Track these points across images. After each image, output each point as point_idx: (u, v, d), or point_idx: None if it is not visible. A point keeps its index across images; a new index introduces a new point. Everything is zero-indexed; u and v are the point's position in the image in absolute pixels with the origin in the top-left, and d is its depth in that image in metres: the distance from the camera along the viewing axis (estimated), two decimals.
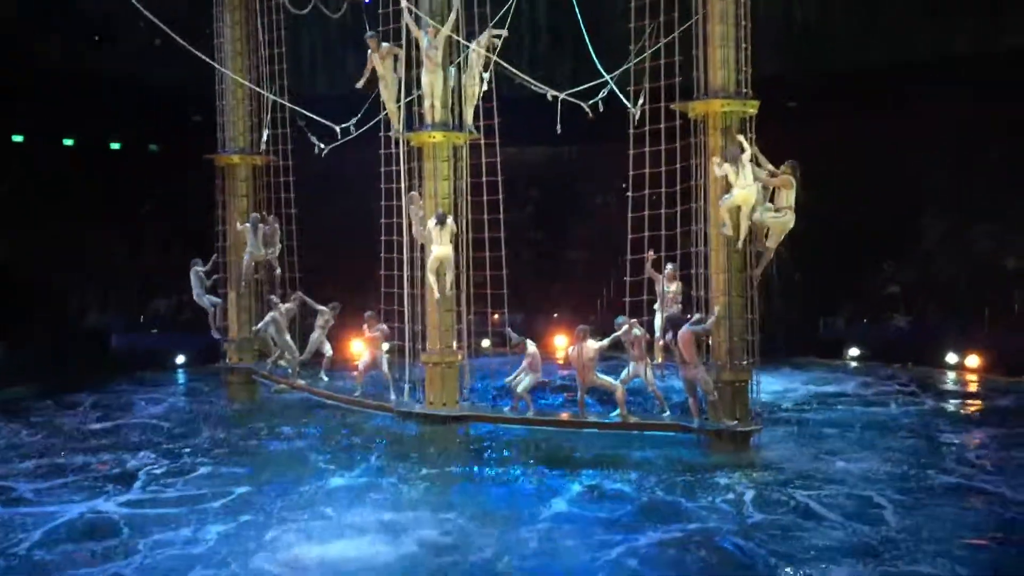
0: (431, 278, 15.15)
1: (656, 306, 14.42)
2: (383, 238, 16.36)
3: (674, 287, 14.30)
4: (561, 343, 23.15)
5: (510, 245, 15.89)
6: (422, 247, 15.55)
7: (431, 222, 14.98)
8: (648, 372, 14.12)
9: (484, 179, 15.78)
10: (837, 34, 25.06)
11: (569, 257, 27.55)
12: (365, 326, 16.52)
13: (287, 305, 17.91)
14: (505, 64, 15.36)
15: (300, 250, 18.79)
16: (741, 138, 13.10)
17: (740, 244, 13.26)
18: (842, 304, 24.00)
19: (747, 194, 12.97)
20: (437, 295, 15.16)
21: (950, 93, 22.03)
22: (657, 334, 14.28)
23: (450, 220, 15.05)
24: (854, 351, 22.48)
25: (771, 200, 13.29)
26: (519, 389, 14.66)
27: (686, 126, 13.69)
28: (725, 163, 12.98)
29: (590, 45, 14.67)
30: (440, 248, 14.93)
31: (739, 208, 13.08)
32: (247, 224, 17.96)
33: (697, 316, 13.52)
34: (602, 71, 14.63)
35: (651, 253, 14.13)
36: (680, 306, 14.25)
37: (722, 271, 13.38)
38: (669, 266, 14.25)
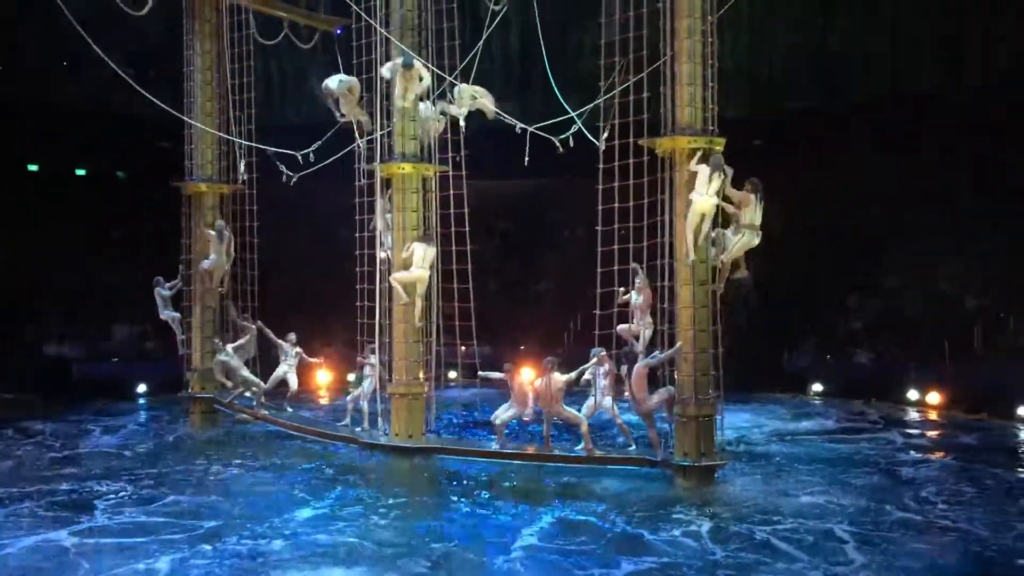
0: (401, 294, 15.07)
1: (631, 319, 14.40)
2: (358, 269, 16.37)
3: (643, 298, 14.29)
4: (528, 375, 23.16)
5: (478, 277, 15.95)
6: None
7: (415, 244, 15.00)
8: (614, 406, 14.15)
9: (452, 211, 15.86)
10: (801, 73, 25.57)
11: (537, 289, 27.68)
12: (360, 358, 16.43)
13: (236, 344, 17.73)
14: (476, 94, 15.50)
15: (265, 278, 18.70)
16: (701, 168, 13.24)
17: (692, 256, 13.32)
18: (806, 339, 24.24)
19: (710, 204, 13.08)
20: (405, 298, 15.06)
21: (913, 133, 22.49)
22: (626, 345, 14.27)
23: (433, 242, 15.18)
24: (818, 386, 22.68)
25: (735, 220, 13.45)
26: (497, 422, 14.59)
27: (654, 162, 13.83)
28: (704, 164, 13.09)
29: (554, 84, 14.90)
30: (421, 271, 14.96)
31: (702, 217, 13.16)
32: (212, 231, 17.83)
33: (655, 354, 13.63)
34: (568, 108, 14.81)
35: (622, 290, 14.21)
36: (651, 320, 14.19)
37: (688, 306, 13.47)
38: (639, 278, 14.28)
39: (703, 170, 13.00)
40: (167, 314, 18.60)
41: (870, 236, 24.15)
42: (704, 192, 12.97)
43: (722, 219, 13.54)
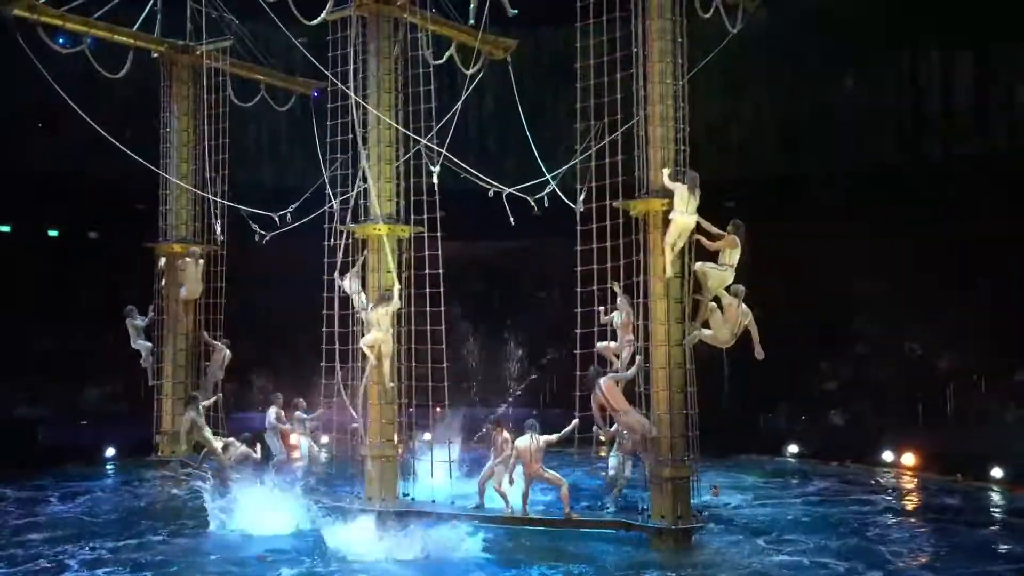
0: (371, 355, 14.96)
1: (610, 338, 14.38)
2: (324, 329, 16.25)
3: (623, 316, 14.24)
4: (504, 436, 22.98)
5: (453, 338, 15.89)
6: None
7: (372, 306, 14.91)
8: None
9: (427, 271, 15.84)
10: (772, 141, 26.08)
11: (513, 350, 27.59)
12: None
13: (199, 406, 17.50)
14: (452, 157, 15.62)
15: (237, 338, 18.58)
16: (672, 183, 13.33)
17: (670, 271, 13.36)
18: (782, 401, 24.26)
19: (689, 222, 13.22)
20: (374, 361, 14.93)
21: (879, 201, 22.90)
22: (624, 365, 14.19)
23: (395, 298, 15.01)
24: (793, 448, 22.66)
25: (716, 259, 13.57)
26: (502, 487, 14.41)
27: (630, 223, 13.94)
28: (678, 182, 13.18)
29: (533, 145, 15.06)
30: (377, 333, 14.82)
31: (679, 235, 13.27)
32: (188, 259, 17.67)
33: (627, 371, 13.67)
34: (544, 170, 14.95)
35: (601, 309, 14.20)
36: (631, 337, 14.13)
37: (663, 366, 13.47)
38: (620, 298, 14.24)
39: (680, 189, 13.14)
40: (139, 344, 18.36)
41: (841, 301, 24.40)
42: (683, 210, 13.13)
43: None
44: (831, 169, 24.80)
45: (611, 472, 14.39)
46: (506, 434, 14.49)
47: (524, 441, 13.93)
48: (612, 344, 14.38)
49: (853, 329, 24.44)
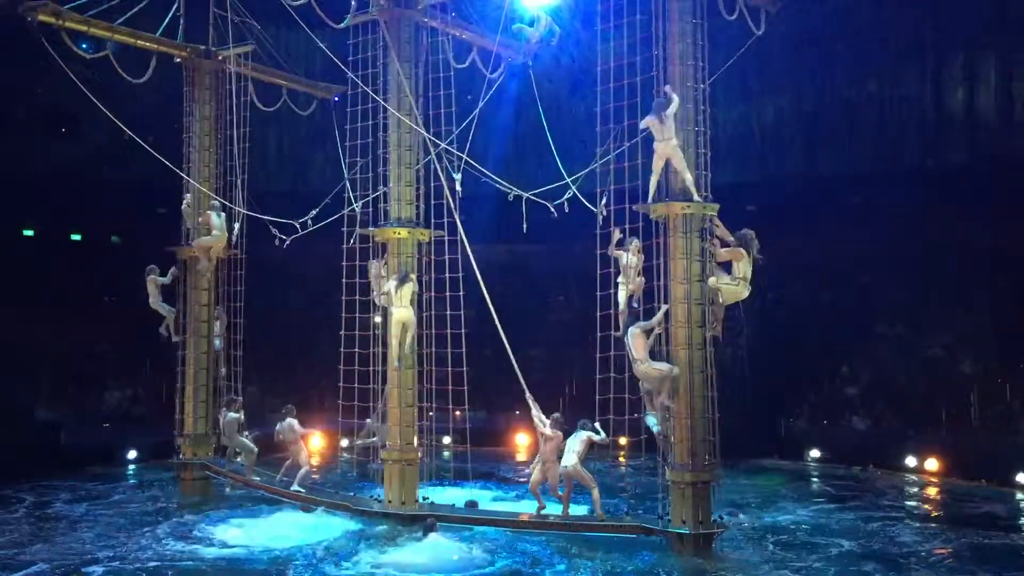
0: (393, 342, 15.02)
1: (619, 279, 14.20)
2: (343, 332, 16.31)
3: (635, 260, 14.15)
4: (522, 441, 22.96)
5: (472, 341, 15.90)
6: (383, 342, 15.53)
7: (391, 283, 14.94)
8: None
9: (447, 275, 15.88)
10: (792, 143, 25.92)
11: (531, 354, 27.54)
12: None
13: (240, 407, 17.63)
14: (472, 162, 15.65)
15: (257, 342, 18.66)
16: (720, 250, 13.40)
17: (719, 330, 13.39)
18: (802, 406, 24.12)
19: (739, 293, 13.32)
20: (395, 358, 14.99)
21: (903, 204, 22.71)
22: (620, 307, 14.05)
23: (412, 279, 15.08)
24: (815, 452, 22.51)
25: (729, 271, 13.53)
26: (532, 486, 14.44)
27: (650, 226, 13.89)
28: (739, 249, 13.29)
29: (554, 149, 15.04)
30: (401, 310, 14.85)
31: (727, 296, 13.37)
32: (211, 211, 17.80)
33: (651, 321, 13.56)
34: (564, 174, 14.92)
35: (617, 231, 14.05)
36: (642, 278, 14.05)
37: (684, 370, 13.39)
38: (634, 241, 14.10)
39: (741, 255, 13.30)
40: (159, 304, 18.40)
41: (862, 304, 24.23)
42: (742, 276, 13.34)
43: None
44: (853, 171, 24.60)
45: (655, 429, 14.07)
46: (548, 431, 14.35)
47: (572, 438, 13.93)
48: (621, 295, 14.10)
49: (875, 332, 24.24)
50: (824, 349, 23.90)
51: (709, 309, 13.52)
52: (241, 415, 17.49)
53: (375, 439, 16.08)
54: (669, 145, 13.27)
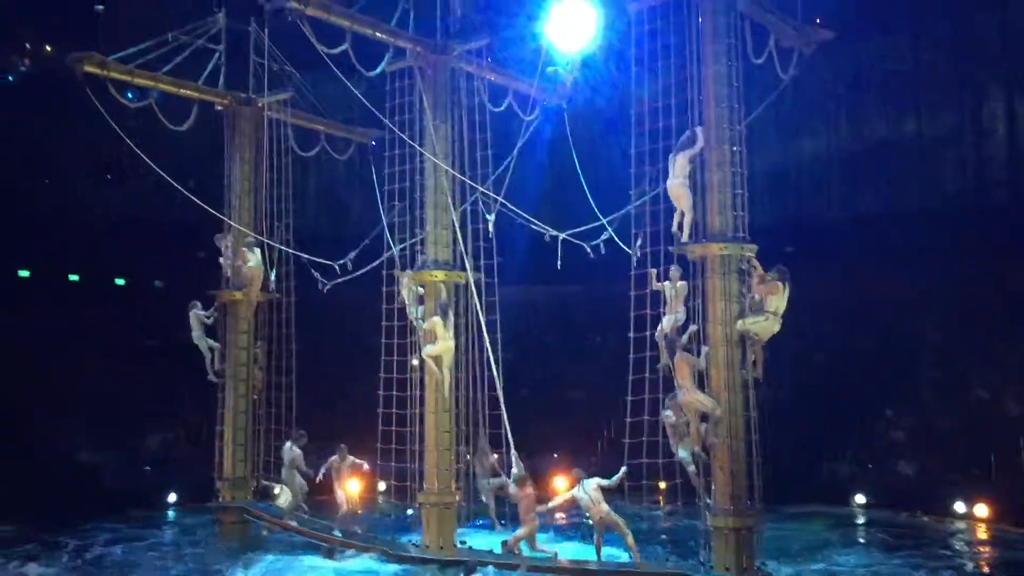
0: (444, 372, 15.14)
1: (663, 308, 14.12)
2: (382, 375, 16.33)
3: (679, 287, 14.01)
4: (561, 485, 22.73)
5: (510, 384, 15.84)
6: (421, 384, 15.54)
7: (436, 317, 15.02)
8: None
9: (484, 317, 15.86)
10: (831, 183, 25.75)
11: (570, 396, 27.38)
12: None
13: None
14: (507, 204, 15.70)
15: (299, 385, 18.73)
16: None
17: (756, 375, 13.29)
18: (845, 450, 23.65)
19: (772, 328, 13.18)
20: (446, 388, 15.13)
21: (941, 245, 22.41)
22: (658, 333, 13.93)
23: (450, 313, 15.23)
24: (860, 498, 22.03)
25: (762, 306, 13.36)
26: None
27: (687, 267, 13.79)
28: (776, 281, 13.19)
29: (587, 191, 15.05)
30: (447, 342, 15.01)
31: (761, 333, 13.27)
32: (244, 248, 18.08)
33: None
34: (599, 216, 14.91)
35: (653, 271, 13.99)
36: (685, 309, 13.94)
37: (725, 413, 13.20)
38: (673, 268, 14.01)
39: (775, 288, 13.17)
40: (201, 340, 18.57)
41: (905, 345, 23.80)
42: (775, 312, 13.20)
43: None
44: (891, 211, 24.37)
45: (691, 468, 13.88)
46: (530, 490, 14.33)
47: (577, 491, 13.86)
48: (665, 321, 14.02)
49: (917, 374, 23.79)
50: (865, 391, 23.47)
51: (748, 350, 13.36)
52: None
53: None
54: (674, 183, 13.34)
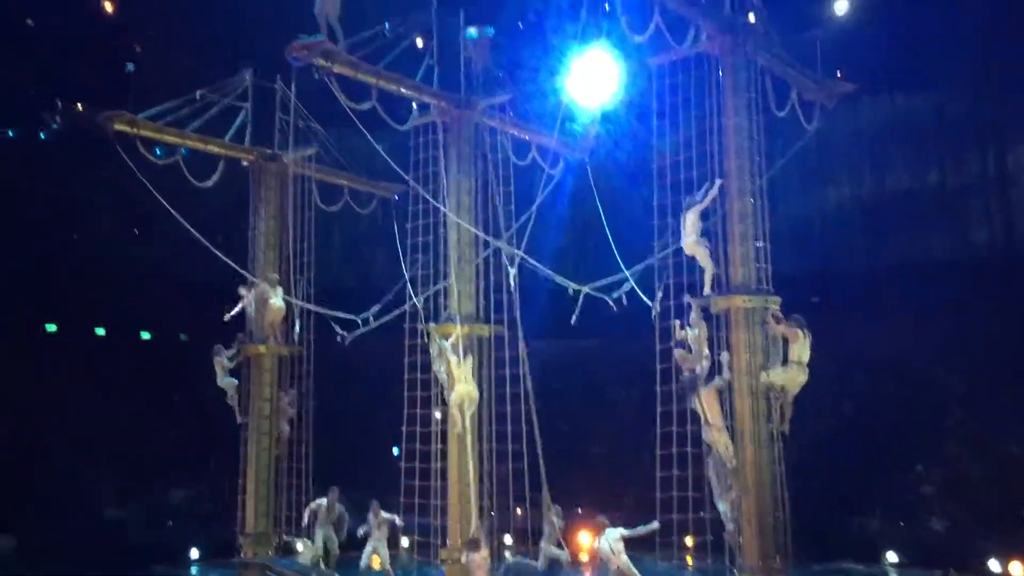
0: (455, 412, 14.98)
1: (682, 353, 13.94)
2: (404, 428, 16.25)
3: (699, 331, 13.82)
4: (585, 540, 22.42)
5: (532, 438, 15.70)
6: (443, 438, 15.44)
7: (454, 357, 14.96)
8: None
9: (508, 371, 15.80)
10: (854, 233, 25.65)
11: (592, 451, 27.13)
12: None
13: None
14: (527, 258, 15.72)
15: (319, 438, 18.69)
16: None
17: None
18: (875, 505, 23.20)
19: (800, 379, 13.04)
20: (459, 430, 15.00)
21: (967, 295, 22.19)
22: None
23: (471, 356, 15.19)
24: (892, 556, 21.54)
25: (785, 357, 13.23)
26: None
27: (709, 320, 13.70)
28: (796, 328, 13.06)
29: (612, 242, 15.04)
30: (463, 385, 14.90)
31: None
32: (265, 284, 18.22)
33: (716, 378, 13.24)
34: (622, 267, 14.89)
35: (677, 322, 13.89)
36: (708, 354, 13.72)
37: (750, 467, 13.01)
38: (693, 310, 13.86)
39: (797, 335, 13.04)
40: (225, 381, 18.62)
41: (932, 397, 23.46)
42: (798, 360, 13.04)
43: None
44: (917, 261, 24.20)
45: (729, 526, 13.63)
46: (485, 554, 14.03)
47: (600, 542, 13.67)
48: (689, 355, 13.92)
49: (945, 427, 23.39)
50: (894, 444, 23.09)
51: (775, 404, 13.21)
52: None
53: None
54: (688, 242, 13.43)
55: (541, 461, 15.28)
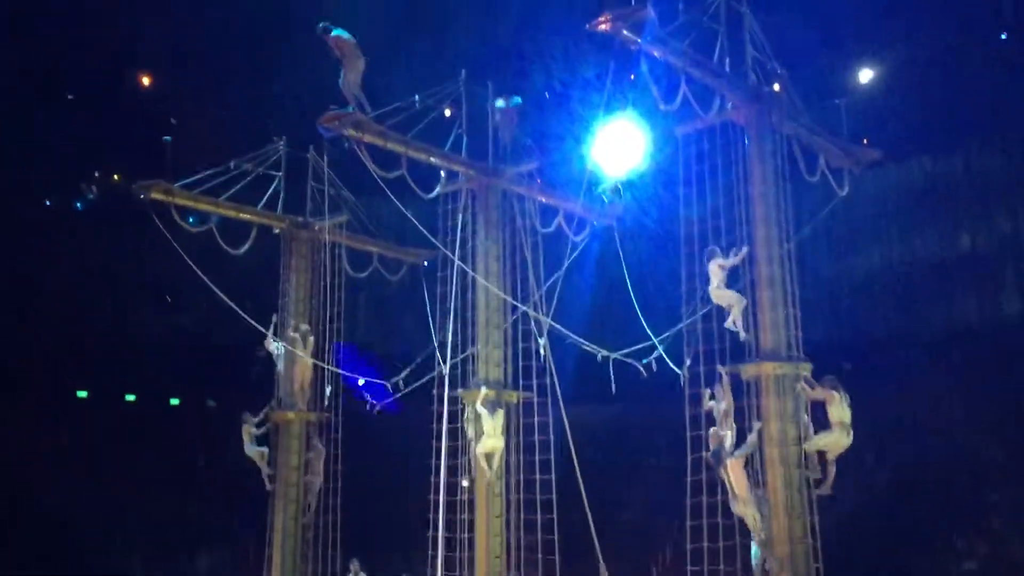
0: (482, 462, 14.94)
1: (712, 429, 13.60)
2: (431, 496, 16.09)
3: (724, 404, 13.56)
4: None
5: (561, 506, 15.51)
6: (471, 507, 15.29)
7: (483, 409, 14.96)
8: None
9: (536, 437, 15.68)
10: (887, 299, 25.45)
11: (622, 519, 26.73)
12: None
13: None
14: (556, 325, 15.71)
15: (347, 505, 18.54)
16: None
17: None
18: None
19: (843, 443, 12.92)
20: (485, 483, 14.94)
21: (1004, 364, 21.87)
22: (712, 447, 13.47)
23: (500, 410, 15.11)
24: None
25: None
26: None
27: (739, 387, 13.57)
28: (831, 391, 12.96)
29: (639, 311, 15.01)
30: (490, 439, 14.87)
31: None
32: (295, 334, 18.22)
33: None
34: (650, 334, 14.82)
35: (707, 391, 13.64)
36: (734, 423, 13.43)
37: (783, 541, 12.73)
38: (720, 385, 13.56)
39: (834, 397, 12.95)
40: (254, 449, 18.44)
41: (970, 469, 22.95)
42: (841, 421, 12.93)
43: None
44: (949, 327, 23.95)
45: (754, 562, 13.31)
46: None
47: None
48: (717, 430, 13.67)
49: (986, 500, 22.84)
50: (933, 517, 22.56)
51: (811, 468, 13.01)
52: None
53: None
54: (711, 288, 13.50)
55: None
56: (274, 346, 18.71)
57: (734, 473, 12.86)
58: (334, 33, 15.05)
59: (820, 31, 23.56)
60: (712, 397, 13.67)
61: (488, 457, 15.08)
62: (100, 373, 24.64)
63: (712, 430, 13.58)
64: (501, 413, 15.20)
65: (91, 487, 22.73)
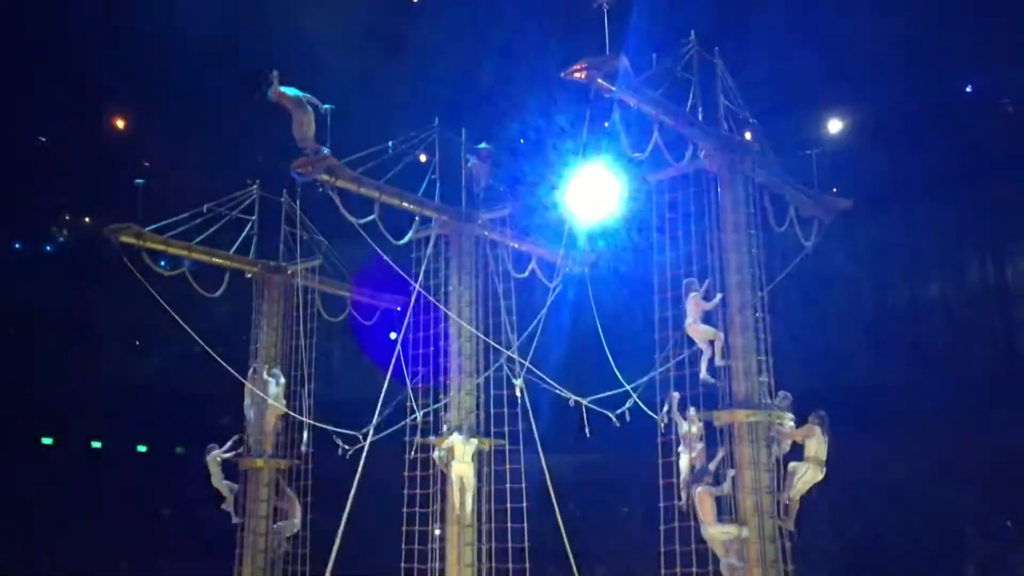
0: (455, 494, 14.86)
1: (680, 448, 13.62)
2: (404, 546, 15.87)
3: (695, 429, 13.50)
4: None
5: (534, 556, 15.32)
6: (443, 557, 15.08)
7: (457, 437, 14.92)
8: None
9: (508, 485, 15.52)
10: (859, 347, 25.60)
11: (596, 571, 26.45)
12: None
13: None
14: (534, 369, 15.65)
15: (316, 555, 18.21)
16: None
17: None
18: None
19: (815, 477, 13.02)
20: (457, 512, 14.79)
21: (977, 409, 21.98)
22: (683, 474, 13.41)
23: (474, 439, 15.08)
24: None
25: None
26: None
27: (713, 434, 13.54)
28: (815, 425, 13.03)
29: (612, 361, 14.98)
30: (461, 465, 14.78)
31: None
32: (268, 377, 17.98)
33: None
34: (623, 382, 14.77)
35: (676, 394, 13.64)
36: (703, 445, 13.44)
37: (757, 565, 12.64)
38: (692, 409, 13.55)
39: (815, 432, 13.05)
40: (221, 483, 18.13)
41: (946, 516, 22.94)
42: (814, 455, 13.03)
43: None
44: (920, 376, 24.10)
45: None
46: None
47: None
48: (683, 461, 13.63)
49: (964, 545, 22.78)
50: (907, 560, 22.46)
51: (787, 517, 12.97)
52: None
53: None
54: (687, 324, 13.57)
55: None
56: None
57: (701, 501, 12.91)
58: (281, 88, 14.68)
59: (791, 82, 23.95)
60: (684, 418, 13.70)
61: (461, 491, 14.86)
62: (66, 419, 24.24)
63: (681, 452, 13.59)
64: (475, 442, 15.09)
65: (55, 530, 22.23)
